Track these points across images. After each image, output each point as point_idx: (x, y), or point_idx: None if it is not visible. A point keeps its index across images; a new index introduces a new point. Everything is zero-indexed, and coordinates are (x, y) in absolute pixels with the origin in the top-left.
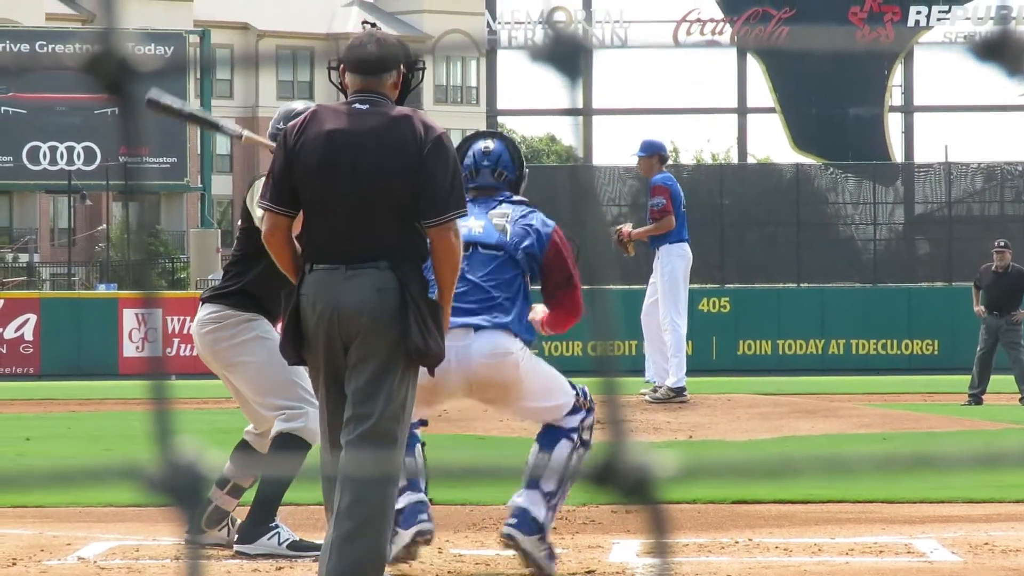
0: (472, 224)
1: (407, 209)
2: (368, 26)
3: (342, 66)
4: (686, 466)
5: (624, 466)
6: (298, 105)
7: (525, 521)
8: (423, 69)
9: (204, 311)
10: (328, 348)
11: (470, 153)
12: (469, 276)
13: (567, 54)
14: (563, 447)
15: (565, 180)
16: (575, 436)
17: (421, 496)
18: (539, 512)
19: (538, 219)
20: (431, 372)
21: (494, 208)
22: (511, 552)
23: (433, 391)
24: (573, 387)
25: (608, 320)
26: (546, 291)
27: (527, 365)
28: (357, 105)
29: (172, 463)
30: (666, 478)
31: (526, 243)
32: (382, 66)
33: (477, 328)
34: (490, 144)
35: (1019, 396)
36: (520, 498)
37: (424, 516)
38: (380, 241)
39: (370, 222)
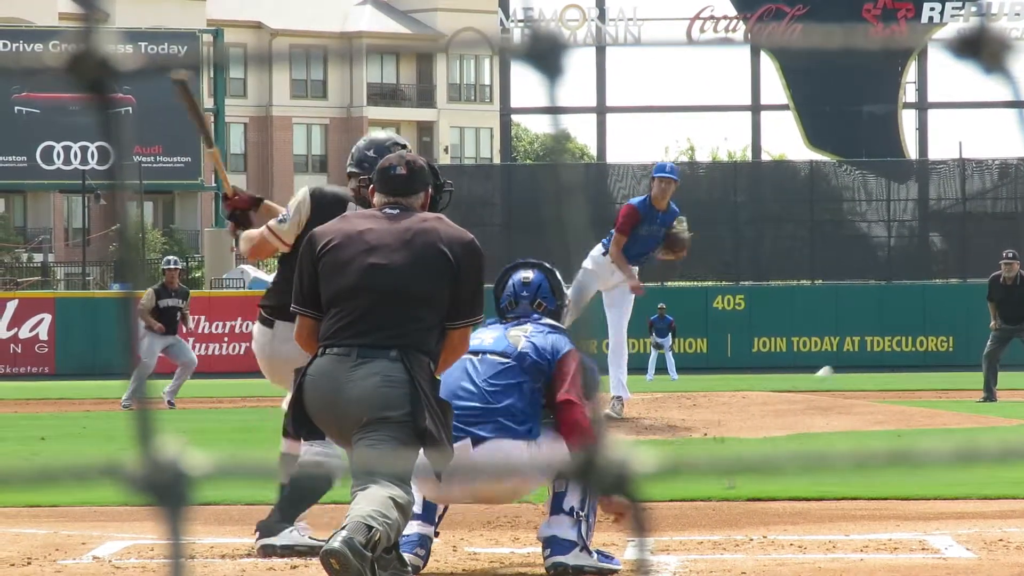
0: (483, 336)
1: (427, 306)
2: (398, 148)
3: (371, 186)
4: (666, 463)
5: (604, 462)
6: (380, 135)
7: (557, 545)
8: (451, 191)
9: (258, 326)
10: (328, 429)
11: (510, 284)
12: (475, 380)
13: (546, 52)
14: None
15: (577, 179)
16: None
17: (429, 531)
18: (569, 532)
19: (556, 339)
20: (438, 475)
21: (516, 325)
22: (526, 550)
23: (437, 500)
24: None
25: (587, 321)
26: (549, 406)
27: (532, 463)
28: (387, 210)
29: (153, 461)
30: (645, 474)
31: (535, 356)
32: (411, 188)
33: (477, 440)
34: (529, 275)
35: None
36: (546, 527)
37: (422, 552)
38: (394, 333)
39: (388, 315)
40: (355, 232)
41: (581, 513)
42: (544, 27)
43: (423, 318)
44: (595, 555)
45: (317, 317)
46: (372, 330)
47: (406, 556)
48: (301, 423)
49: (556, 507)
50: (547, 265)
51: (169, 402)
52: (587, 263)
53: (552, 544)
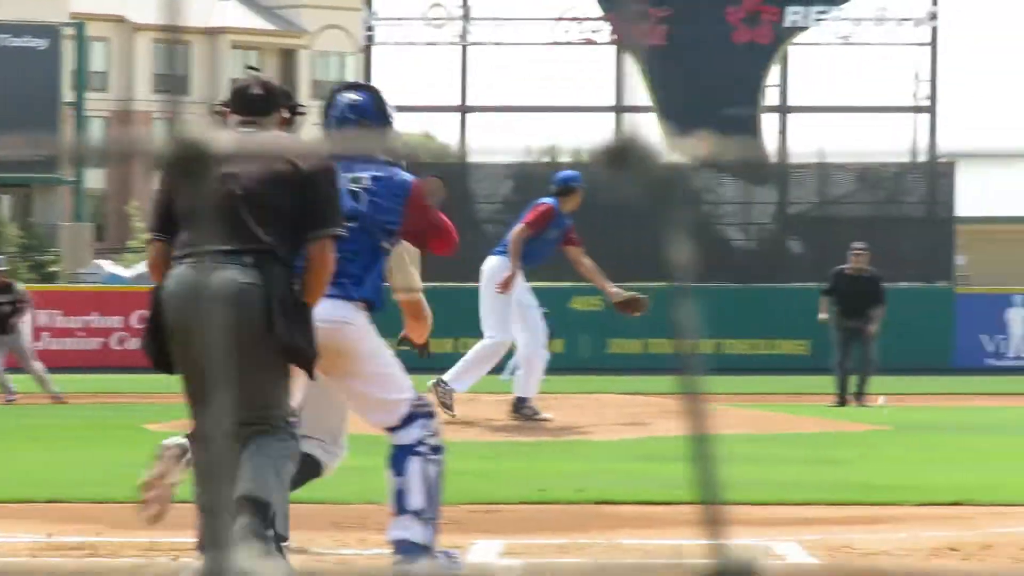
0: None
1: (280, 216)
2: (252, 71)
3: (227, 109)
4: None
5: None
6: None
7: (408, 550)
8: (304, 114)
9: None
10: (185, 341)
11: (337, 106)
12: None
13: (192, 159)
14: (414, 464)
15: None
16: (422, 448)
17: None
18: (415, 534)
19: (395, 181)
20: (310, 374)
21: (350, 173)
22: (372, 551)
23: None
24: (413, 392)
25: None
26: (417, 240)
27: (368, 344)
28: (243, 129)
29: None
30: None
31: (377, 215)
32: (266, 108)
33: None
34: (356, 97)
35: (857, 394)
36: (394, 530)
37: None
38: (247, 240)
39: (241, 223)
40: None
41: (425, 515)
42: (190, 134)
43: (276, 226)
44: (441, 558)
45: (171, 242)
46: (226, 238)
47: None
48: (156, 342)
49: (400, 507)
50: (374, 86)
51: (9, 400)
52: (490, 281)
53: (401, 548)
